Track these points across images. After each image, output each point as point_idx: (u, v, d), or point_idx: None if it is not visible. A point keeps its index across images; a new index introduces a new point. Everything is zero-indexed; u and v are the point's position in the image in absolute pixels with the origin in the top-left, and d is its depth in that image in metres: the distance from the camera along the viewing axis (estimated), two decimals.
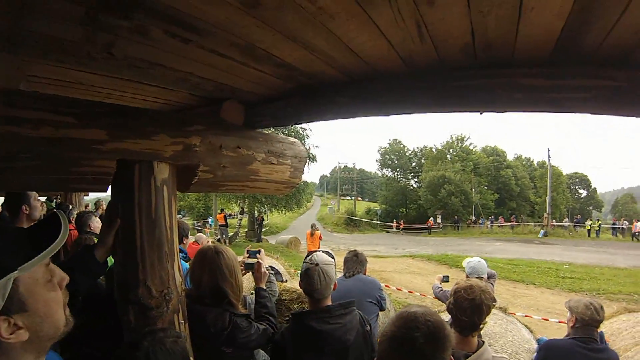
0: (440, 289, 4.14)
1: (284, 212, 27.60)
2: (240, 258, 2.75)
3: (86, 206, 9.98)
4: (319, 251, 2.29)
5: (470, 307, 1.94)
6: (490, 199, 44.04)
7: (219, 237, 20.50)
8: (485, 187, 45.71)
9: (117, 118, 1.66)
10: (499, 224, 37.11)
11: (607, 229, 35.16)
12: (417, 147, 56.61)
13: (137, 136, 1.71)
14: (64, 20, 1.21)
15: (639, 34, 1.19)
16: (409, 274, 14.52)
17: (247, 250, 2.91)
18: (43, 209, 3.98)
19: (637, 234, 29.62)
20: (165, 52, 1.51)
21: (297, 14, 1.21)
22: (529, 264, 16.11)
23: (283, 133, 15.81)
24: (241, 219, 25.68)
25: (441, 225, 39.94)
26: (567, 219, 39.39)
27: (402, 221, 41.81)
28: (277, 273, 4.29)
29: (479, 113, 1.71)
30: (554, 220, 35.22)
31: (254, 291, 2.46)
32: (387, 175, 55.93)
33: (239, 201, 24.36)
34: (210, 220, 32.02)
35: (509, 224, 36.76)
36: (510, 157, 51.70)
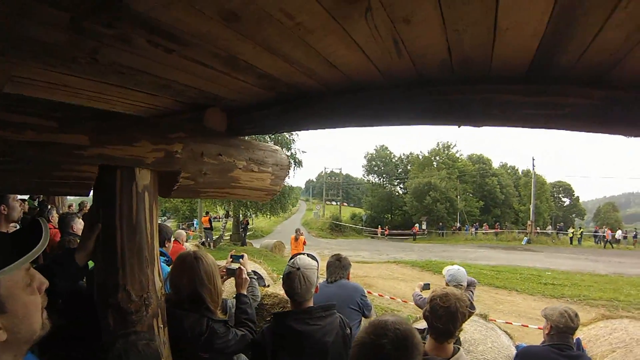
0: (420, 296, 4.17)
1: (269, 216, 27.59)
2: (222, 263, 2.76)
3: (70, 206, 9.81)
4: (303, 254, 2.33)
5: (445, 315, 1.98)
6: (475, 206, 44.44)
7: (203, 240, 20.26)
8: (471, 195, 46.14)
9: (99, 124, 1.66)
10: (484, 231, 37.53)
11: (589, 236, 35.92)
12: (404, 154, 57.25)
13: (120, 142, 1.71)
14: (49, 25, 1.21)
15: (613, 55, 1.23)
16: (393, 280, 14.61)
17: (231, 255, 2.92)
18: (23, 209, 3.93)
19: (608, 241, 31.05)
20: (149, 60, 1.52)
21: (276, 28, 1.24)
22: (512, 270, 16.36)
23: (270, 138, 15.78)
24: (226, 222, 25.54)
25: (426, 232, 40.26)
26: (550, 227, 40.17)
27: (387, 227, 41.97)
28: (260, 277, 4.30)
29: (456, 127, 1.76)
30: (537, 228, 35.86)
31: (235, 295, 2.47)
32: (373, 181, 56.16)
33: (224, 204, 24.25)
34: (195, 223, 31.77)
35: (493, 231, 37.24)
36: (495, 165, 52.27)
